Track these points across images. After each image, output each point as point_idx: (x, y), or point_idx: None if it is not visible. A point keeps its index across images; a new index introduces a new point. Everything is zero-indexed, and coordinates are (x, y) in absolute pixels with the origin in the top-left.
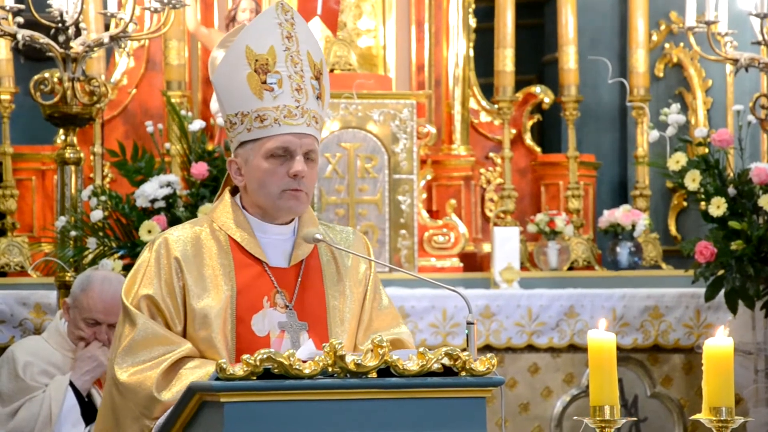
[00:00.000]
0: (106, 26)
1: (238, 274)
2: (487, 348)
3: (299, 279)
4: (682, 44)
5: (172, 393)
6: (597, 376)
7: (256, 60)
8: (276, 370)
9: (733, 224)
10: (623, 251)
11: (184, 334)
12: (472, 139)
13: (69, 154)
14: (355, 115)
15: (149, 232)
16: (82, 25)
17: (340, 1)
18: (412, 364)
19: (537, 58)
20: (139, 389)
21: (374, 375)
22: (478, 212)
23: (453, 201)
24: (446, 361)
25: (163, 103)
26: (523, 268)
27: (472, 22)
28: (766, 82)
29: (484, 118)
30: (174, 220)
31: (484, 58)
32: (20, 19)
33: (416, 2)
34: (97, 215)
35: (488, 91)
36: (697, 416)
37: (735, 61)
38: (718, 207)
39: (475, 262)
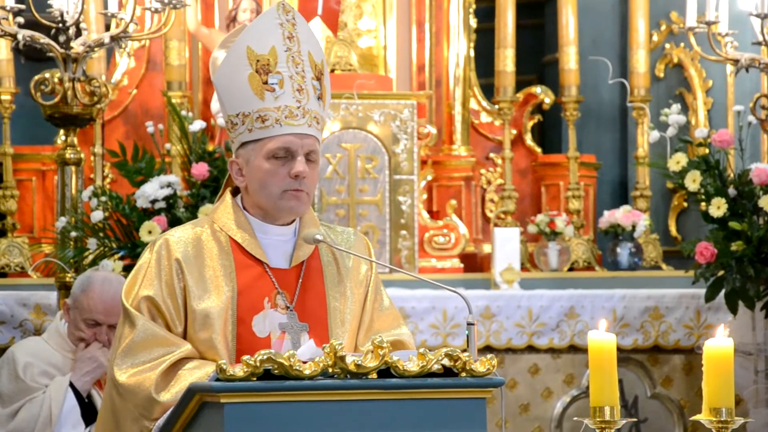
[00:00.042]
0: (107, 26)
1: (239, 275)
2: (487, 349)
3: (300, 280)
4: (682, 45)
5: (171, 394)
6: (597, 377)
7: (258, 60)
8: (276, 371)
9: (734, 225)
10: (623, 252)
11: (185, 336)
12: (473, 139)
13: (69, 154)
14: (356, 115)
15: (150, 232)
16: (82, 25)
17: (340, 1)
18: (413, 365)
19: (537, 58)
20: (138, 390)
21: (374, 376)
22: (478, 213)
23: (453, 201)
24: (446, 361)
25: (163, 104)
26: (523, 268)
27: (473, 22)
28: (767, 83)
29: (485, 118)
30: (174, 221)
31: (485, 59)
32: (21, 20)
33: (417, 2)
34: (97, 216)
35: (489, 91)
36: (697, 417)
37: (735, 62)
38: (718, 208)
39: (475, 263)
